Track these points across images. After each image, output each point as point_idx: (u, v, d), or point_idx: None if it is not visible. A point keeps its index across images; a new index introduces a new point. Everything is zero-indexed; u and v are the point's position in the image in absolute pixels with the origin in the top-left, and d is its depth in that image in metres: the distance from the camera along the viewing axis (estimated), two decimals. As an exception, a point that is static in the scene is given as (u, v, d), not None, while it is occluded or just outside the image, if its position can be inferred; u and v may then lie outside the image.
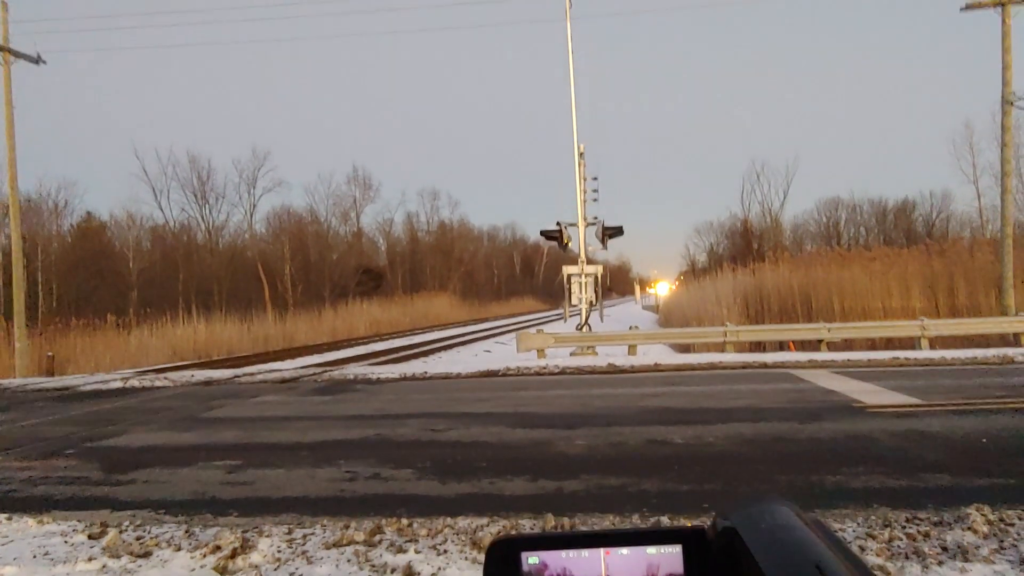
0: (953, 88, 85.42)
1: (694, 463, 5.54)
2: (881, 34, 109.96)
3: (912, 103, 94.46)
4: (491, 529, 4.04)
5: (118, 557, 3.77)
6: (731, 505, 0.63)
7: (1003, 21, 16.35)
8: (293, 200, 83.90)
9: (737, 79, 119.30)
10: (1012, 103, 16.57)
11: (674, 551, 0.60)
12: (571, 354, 15.15)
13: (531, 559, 0.60)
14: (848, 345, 15.80)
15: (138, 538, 4.09)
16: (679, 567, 0.60)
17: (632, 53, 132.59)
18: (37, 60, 18.32)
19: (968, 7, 16.63)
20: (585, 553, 0.60)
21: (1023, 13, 16.33)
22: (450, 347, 23.63)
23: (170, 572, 3.60)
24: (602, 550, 0.60)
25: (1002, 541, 3.53)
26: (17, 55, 17.82)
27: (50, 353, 17.81)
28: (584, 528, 3.92)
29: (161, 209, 42.20)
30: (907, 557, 3.41)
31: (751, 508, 0.62)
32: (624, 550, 0.60)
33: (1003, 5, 16.24)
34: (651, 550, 0.60)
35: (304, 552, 3.76)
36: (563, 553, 0.60)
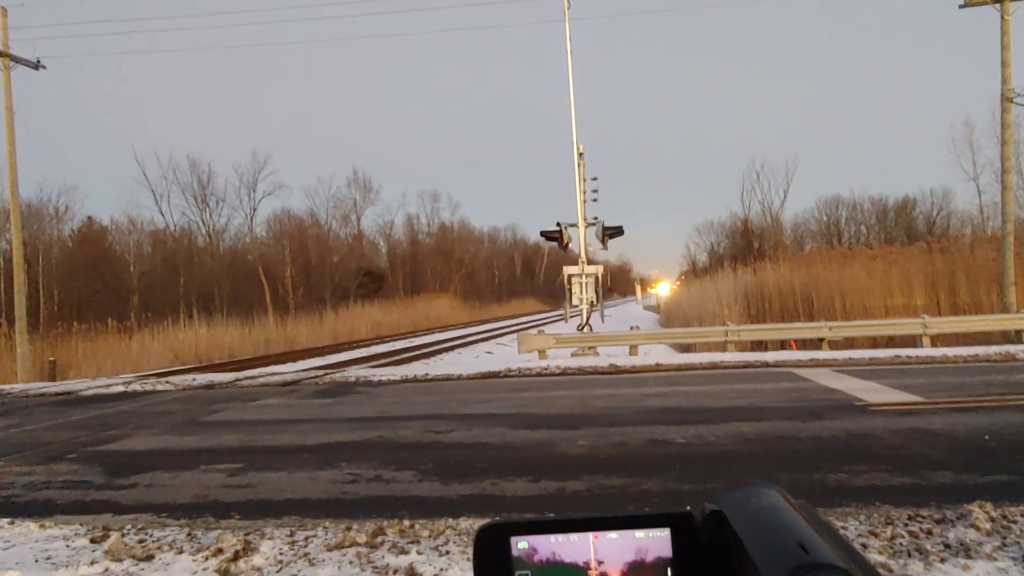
0: (952, 85, 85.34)
1: (696, 462, 5.54)
2: (879, 32, 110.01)
3: (911, 100, 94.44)
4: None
5: (120, 561, 3.77)
6: (719, 489, 0.63)
7: (1002, 18, 16.34)
8: (293, 203, 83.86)
9: (736, 78, 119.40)
10: (1012, 100, 16.56)
11: (662, 535, 0.61)
12: (572, 355, 15.14)
13: (520, 543, 0.60)
14: (850, 343, 15.77)
15: (140, 541, 4.09)
16: (667, 550, 0.61)
17: (631, 53, 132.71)
18: (37, 66, 18.36)
19: (966, 4, 16.62)
20: (574, 537, 0.61)
21: (1022, 10, 16.34)
22: (451, 349, 23.64)
23: (172, 575, 3.60)
24: (591, 534, 0.61)
25: (1004, 538, 3.53)
26: (17, 61, 17.86)
27: (52, 358, 17.84)
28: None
29: (162, 213, 42.24)
30: (909, 555, 3.41)
31: (738, 491, 0.62)
32: (613, 534, 0.61)
33: (1001, 2, 16.23)
34: (640, 534, 0.61)
35: (306, 554, 3.76)
36: (552, 538, 0.61)
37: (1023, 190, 27.90)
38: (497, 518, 0.64)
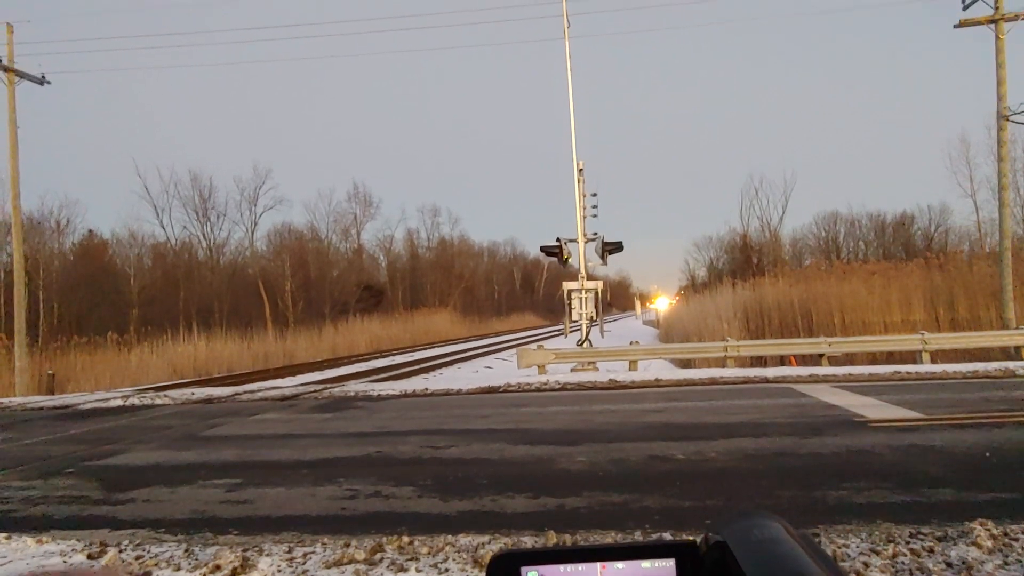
0: (949, 102, 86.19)
1: (696, 479, 5.52)
2: (877, 50, 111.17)
3: (909, 117, 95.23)
4: (493, 546, 4.02)
5: (117, 577, 3.75)
6: (723, 519, 0.65)
7: (996, 37, 16.54)
8: (294, 217, 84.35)
9: (735, 95, 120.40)
10: (1007, 118, 16.70)
11: (667, 565, 0.62)
12: (572, 370, 15.12)
13: (530, 574, 0.62)
14: (849, 359, 15.77)
15: (137, 557, 4.07)
16: None
17: (631, 70, 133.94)
18: (42, 81, 18.53)
19: (962, 24, 16.84)
20: (582, 567, 0.62)
21: (1016, 29, 16.54)
22: (451, 363, 23.60)
23: (170, 592, 3.57)
24: (598, 564, 0.62)
25: (1007, 556, 3.51)
26: (22, 76, 18.03)
27: (51, 371, 17.80)
28: (583, 543, 3.91)
29: (163, 227, 42.36)
30: (911, 573, 3.40)
31: (741, 522, 0.64)
32: (619, 564, 0.62)
33: (996, 22, 16.44)
34: (646, 564, 0.62)
35: (304, 571, 3.74)
36: (561, 567, 0.62)
37: (1020, 206, 28.04)
38: (507, 548, 0.66)
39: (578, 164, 16.90)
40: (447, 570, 3.66)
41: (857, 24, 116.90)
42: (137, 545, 4.36)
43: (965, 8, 16.98)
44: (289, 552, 4.03)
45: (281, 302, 40.31)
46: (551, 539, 4.07)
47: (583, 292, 16.68)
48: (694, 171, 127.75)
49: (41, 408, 12.83)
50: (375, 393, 12.56)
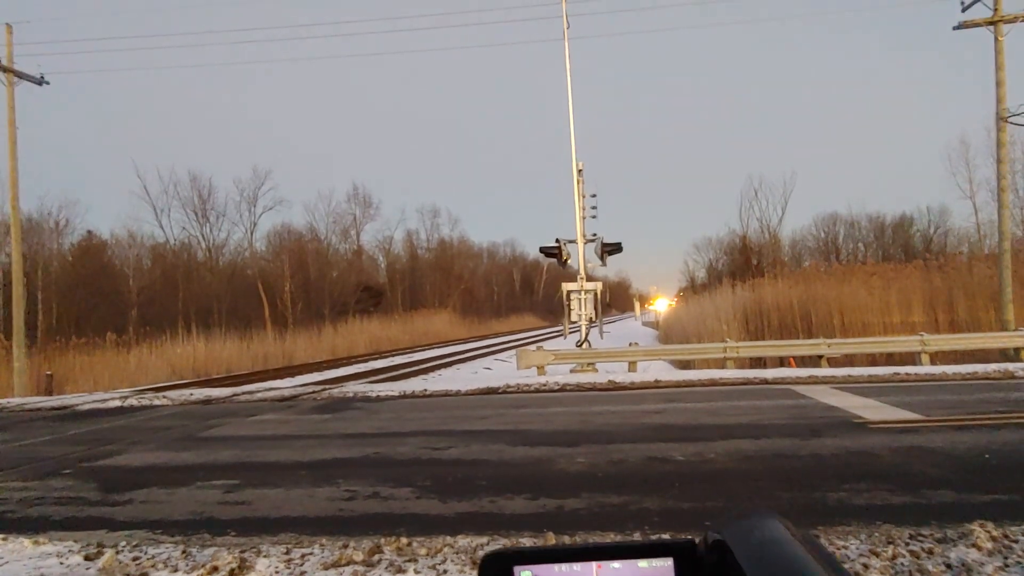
0: (949, 104, 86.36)
1: (695, 480, 5.51)
2: (877, 51, 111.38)
3: (909, 119, 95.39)
4: (491, 547, 4.00)
5: (114, 578, 3.73)
6: (723, 519, 0.63)
7: (995, 39, 16.55)
8: (293, 218, 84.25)
9: (735, 96, 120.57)
10: (1006, 119, 16.71)
11: (666, 564, 0.61)
12: (571, 371, 15.11)
13: (524, 573, 0.61)
14: (849, 361, 15.76)
15: (134, 559, 4.05)
16: None
17: (632, 71, 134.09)
18: (41, 81, 18.51)
19: (961, 26, 16.85)
20: (577, 567, 0.61)
21: (1015, 31, 16.56)
22: (450, 364, 23.58)
23: (167, 593, 3.56)
24: (594, 564, 0.61)
25: (1006, 558, 3.50)
26: (21, 76, 18.02)
27: (49, 372, 17.77)
28: (578, 542, 3.90)
29: (162, 228, 42.36)
30: (911, 575, 3.39)
31: (742, 522, 0.62)
32: (616, 563, 0.61)
33: (995, 24, 16.46)
34: (643, 563, 0.61)
35: (302, 573, 3.73)
36: (556, 567, 0.61)
37: (1019, 208, 28.06)
38: (500, 547, 0.65)
39: (577, 165, 16.90)
40: (445, 571, 3.65)
41: (857, 25, 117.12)
42: (134, 546, 4.34)
43: (964, 10, 17.00)
44: (287, 553, 4.01)
45: (280, 303, 40.28)
46: (550, 540, 4.06)
47: (582, 293, 16.67)
48: (694, 172, 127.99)
49: (39, 409, 12.80)
50: (374, 394, 12.54)
